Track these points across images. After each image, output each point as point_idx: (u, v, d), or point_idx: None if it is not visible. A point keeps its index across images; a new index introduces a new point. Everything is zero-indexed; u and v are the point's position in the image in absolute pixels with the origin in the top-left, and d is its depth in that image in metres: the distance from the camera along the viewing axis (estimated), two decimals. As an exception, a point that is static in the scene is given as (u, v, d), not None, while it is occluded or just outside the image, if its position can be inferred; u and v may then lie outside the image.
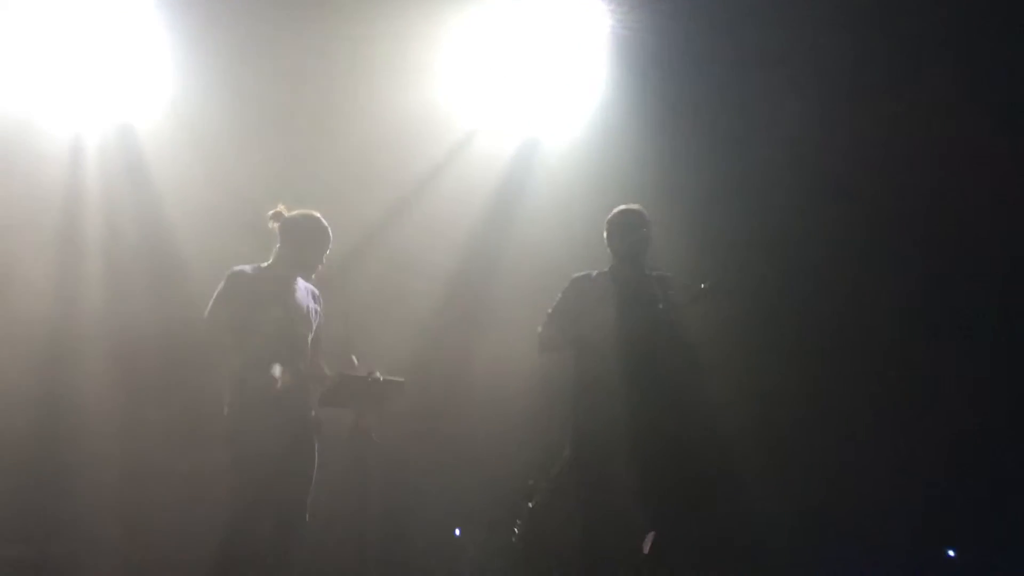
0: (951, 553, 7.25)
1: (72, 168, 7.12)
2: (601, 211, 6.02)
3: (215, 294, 5.36)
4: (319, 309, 5.60)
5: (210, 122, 7.09)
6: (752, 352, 7.28)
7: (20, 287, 6.87)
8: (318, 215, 5.54)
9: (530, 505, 6.63)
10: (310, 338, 5.52)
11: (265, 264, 5.50)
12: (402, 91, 7.26)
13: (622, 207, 5.92)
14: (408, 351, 7.00)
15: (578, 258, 6.32)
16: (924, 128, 7.13)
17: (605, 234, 5.94)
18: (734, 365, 6.92)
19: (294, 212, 5.54)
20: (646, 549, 5.52)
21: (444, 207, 7.65)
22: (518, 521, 6.65)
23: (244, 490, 5.20)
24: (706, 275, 5.83)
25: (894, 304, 7.50)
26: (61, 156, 7.10)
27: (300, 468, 5.37)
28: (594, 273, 5.94)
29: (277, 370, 5.21)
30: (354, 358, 5.45)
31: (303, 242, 5.50)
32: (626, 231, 5.84)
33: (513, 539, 6.64)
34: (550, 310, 5.91)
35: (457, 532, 7.32)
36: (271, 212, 5.56)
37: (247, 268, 5.43)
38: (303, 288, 5.55)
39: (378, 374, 5.39)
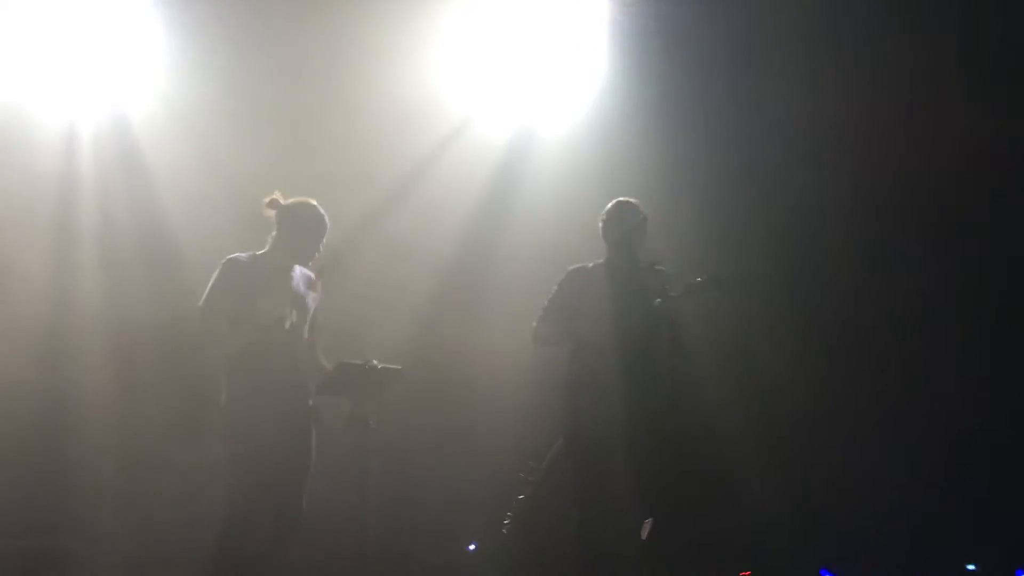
0: (971, 567, 7.20)
1: (67, 157, 7.13)
2: (599, 199, 6.02)
3: (210, 282, 5.30)
4: (316, 297, 5.54)
5: (204, 111, 7.10)
6: (753, 350, 7.27)
7: (15, 277, 6.86)
8: (314, 203, 5.48)
9: (520, 498, 6.60)
10: (306, 327, 5.45)
11: (261, 252, 5.44)
12: (398, 79, 7.26)
13: (617, 199, 5.93)
14: (404, 339, 6.98)
15: (575, 247, 6.31)
16: (935, 124, 7.10)
17: (600, 226, 5.95)
18: (734, 363, 6.91)
19: (290, 200, 5.48)
20: (644, 535, 5.48)
21: (441, 196, 7.63)
22: (509, 513, 6.63)
23: (243, 484, 5.15)
24: (704, 269, 5.84)
25: (895, 304, 7.48)
26: (56, 145, 7.10)
27: (298, 458, 5.32)
28: (590, 264, 5.94)
29: (285, 311, 5.20)
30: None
31: (299, 230, 5.43)
32: (621, 222, 5.86)
33: (503, 531, 6.62)
34: (546, 303, 5.89)
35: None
36: (267, 200, 5.49)
37: (242, 256, 5.38)
38: (299, 276, 5.50)
39: (375, 362, 5.33)
